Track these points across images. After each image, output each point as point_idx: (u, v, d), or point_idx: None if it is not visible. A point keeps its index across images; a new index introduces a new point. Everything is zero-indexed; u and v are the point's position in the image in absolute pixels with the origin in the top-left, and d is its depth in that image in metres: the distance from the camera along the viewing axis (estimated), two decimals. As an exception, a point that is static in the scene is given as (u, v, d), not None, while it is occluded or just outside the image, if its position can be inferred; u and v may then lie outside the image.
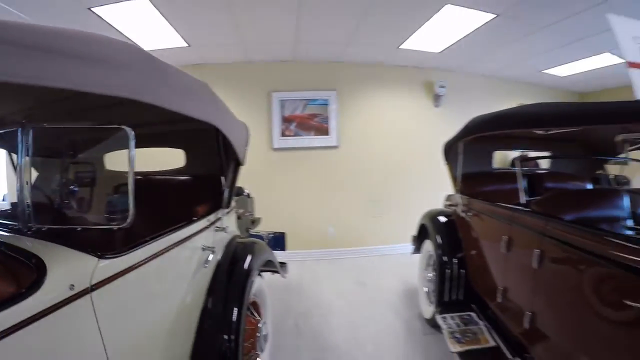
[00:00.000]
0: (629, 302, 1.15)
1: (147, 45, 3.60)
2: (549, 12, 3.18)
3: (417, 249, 3.53)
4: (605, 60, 4.29)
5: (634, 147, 1.78)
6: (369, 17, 3.34)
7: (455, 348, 2.33)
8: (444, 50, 4.17)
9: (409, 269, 3.92)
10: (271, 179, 4.62)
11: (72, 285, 0.92)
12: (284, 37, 3.83)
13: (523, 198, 2.01)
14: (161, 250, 1.35)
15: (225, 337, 1.64)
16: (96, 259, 1.03)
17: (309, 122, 4.67)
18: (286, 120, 4.57)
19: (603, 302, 1.34)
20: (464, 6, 3.12)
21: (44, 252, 0.96)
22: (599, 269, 1.36)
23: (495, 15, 3.26)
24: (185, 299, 1.56)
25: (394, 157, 4.94)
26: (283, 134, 4.59)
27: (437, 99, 5.01)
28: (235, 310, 1.72)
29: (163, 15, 3.15)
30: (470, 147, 2.86)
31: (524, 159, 2.32)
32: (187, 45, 3.85)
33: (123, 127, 1.11)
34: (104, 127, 1.28)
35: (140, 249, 1.23)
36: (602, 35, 3.52)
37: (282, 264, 2.72)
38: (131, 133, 1.11)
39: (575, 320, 1.54)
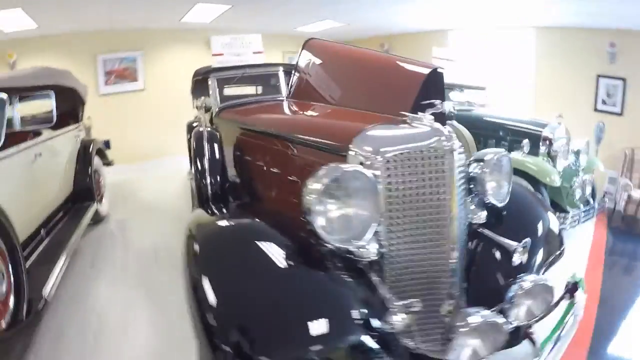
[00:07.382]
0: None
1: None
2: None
3: None
4: (329, 24, 7.01)
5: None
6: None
7: None
8: (211, 21, 6.43)
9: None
10: (100, 115, 6.14)
11: None
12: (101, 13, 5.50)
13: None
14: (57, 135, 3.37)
15: (87, 179, 3.71)
16: None
17: (123, 73, 6.56)
18: (108, 74, 6.38)
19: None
20: (209, 2, 5.38)
21: None
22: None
23: (230, 6, 5.60)
24: (66, 165, 3.53)
25: (184, 91, 6.63)
26: (106, 83, 6.39)
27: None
28: (90, 167, 3.77)
29: None
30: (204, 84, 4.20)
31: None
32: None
33: None
34: None
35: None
36: (319, 9, 6.05)
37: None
38: None
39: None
